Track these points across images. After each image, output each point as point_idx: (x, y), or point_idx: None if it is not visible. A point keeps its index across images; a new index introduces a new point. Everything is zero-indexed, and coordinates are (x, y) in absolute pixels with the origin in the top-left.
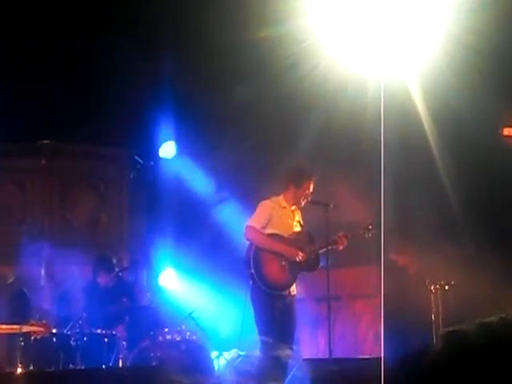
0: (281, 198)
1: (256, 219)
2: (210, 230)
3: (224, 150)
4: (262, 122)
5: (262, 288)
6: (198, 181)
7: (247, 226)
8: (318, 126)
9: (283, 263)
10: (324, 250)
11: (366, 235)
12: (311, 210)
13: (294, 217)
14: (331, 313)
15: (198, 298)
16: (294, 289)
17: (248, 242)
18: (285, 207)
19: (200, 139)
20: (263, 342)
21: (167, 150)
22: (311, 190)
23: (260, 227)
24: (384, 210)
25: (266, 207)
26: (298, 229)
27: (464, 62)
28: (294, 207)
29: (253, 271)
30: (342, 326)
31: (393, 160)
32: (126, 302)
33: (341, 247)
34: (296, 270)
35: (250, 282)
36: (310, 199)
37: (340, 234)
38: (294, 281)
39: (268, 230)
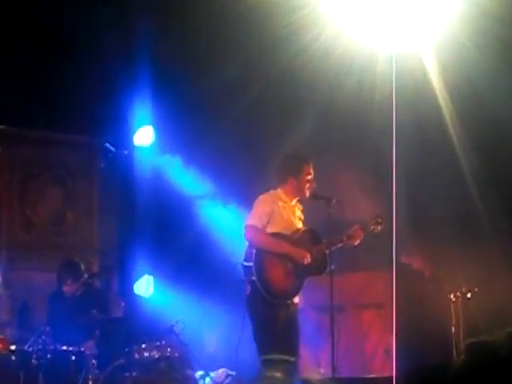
0: (279, 191)
1: (256, 217)
2: (195, 231)
3: (211, 137)
4: (254, 103)
5: (265, 297)
6: (180, 173)
7: (247, 226)
8: (320, 106)
9: (289, 267)
10: (338, 246)
11: (375, 230)
12: (311, 206)
13: (295, 212)
14: (335, 324)
15: (181, 309)
16: (297, 298)
17: (247, 244)
18: (285, 202)
19: (182, 124)
20: (265, 363)
21: (143, 136)
22: (312, 174)
23: (262, 226)
24: (396, 204)
25: (266, 203)
26: (299, 225)
27: (485, 32)
28: (294, 201)
29: (254, 278)
30: (347, 340)
31: (406, 145)
32: (97, 313)
33: (357, 242)
34: (303, 274)
35: (248, 291)
36: (313, 186)
37: (355, 227)
38: (300, 287)
39: (269, 229)
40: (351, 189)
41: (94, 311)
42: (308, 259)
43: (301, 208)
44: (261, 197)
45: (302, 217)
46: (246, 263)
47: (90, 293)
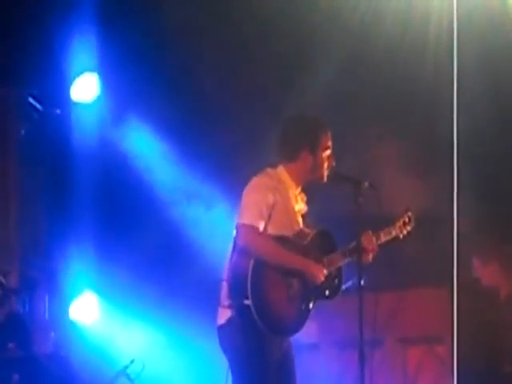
0: (281, 170)
1: (254, 212)
2: (160, 227)
3: (181, 87)
4: (248, 36)
5: (260, 328)
6: (139, 141)
7: (242, 226)
8: (347, 50)
9: (295, 288)
10: (344, 262)
11: (402, 233)
12: (331, 192)
13: (296, 204)
14: (366, 367)
15: (138, 342)
16: None
17: (238, 252)
18: (288, 187)
19: (139, 71)
20: None
21: (84, 88)
22: (331, 148)
23: (263, 225)
24: (458, 194)
25: (265, 189)
26: (300, 224)
27: None
28: (299, 189)
29: (249, 301)
30: None
31: (472, 110)
32: (14, 348)
33: (369, 258)
34: (310, 299)
35: (231, 317)
36: (332, 165)
37: (366, 234)
38: (306, 318)
39: (270, 230)
40: (391, 170)
41: (11, 345)
42: (322, 278)
43: (305, 199)
44: (255, 180)
45: (305, 210)
46: (235, 280)
47: (5, 319)
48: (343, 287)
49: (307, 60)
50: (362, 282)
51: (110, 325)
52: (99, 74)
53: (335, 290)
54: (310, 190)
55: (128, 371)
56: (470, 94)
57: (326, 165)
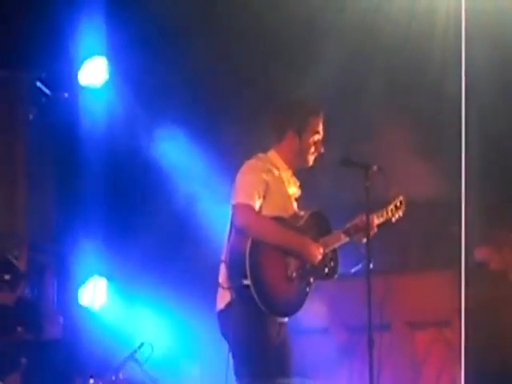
0: (272, 155)
1: (249, 192)
2: (167, 213)
3: (194, 73)
4: (251, 30)
5: (259, 309)
6: (148, 126)
7: (238, 205)
8: (354, 38)
9: (292, 268)
10: (339, 244)
11: (393, 217)
12: (339, 176)
13: (289, 187)
14: (375, 351)
15: (147, 327)
16: None
17: (235, 232)
18: (280, 169)
19: (149, 55)
20: None
21: (92, 72)
22: (321, 134)
23: (259, 205)
24: (466, 179)
25: (258, 171)
26: (295, 207)
27: None
28: (291, 172)
29: (248, 281)
30: (393, 372)
31: (481, 92)
32: (23, 332)
33: (364, 238)
34: (308, 279)
35: (231, 298)
36: (321, 152)
37: (361, 215)
38: (305, 298)
39: (265, 211)
40: (400, 153)
41: (20, 330)
42: (320, 257)
43: (298, 183)
44: (248, 163)
45: (298, 194)
46: (234, 261)
47: (14, 303)
48: (352, 270)
49: (314, 48)
50: (371, 266)
51: (118, 309)
52: (108, 57)
53: (332, 272)
54: (321, 174)
55: (137, 355)
56: (478, 80)
57: (312, 149)
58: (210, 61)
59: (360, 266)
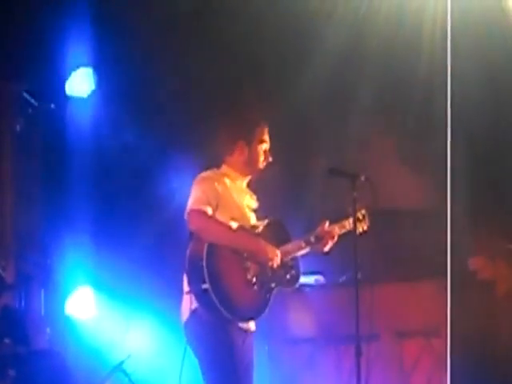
0: (224, 168)
1: (202, 198)
2: (154, 223)
3: (180, 81)
4: (239, 38)
5: (220, 312)
6: (133, 136)
7: (191, 211)
8: (342, 46)
9: (251, 272)
10: (305, 252)
11: (358, 229)
12: (326, 187)
13: (245, 198)
14: (363, 360)
15: (134, 338)
16: (253, 323)
17: (193, 239)
18: (234, 180)
19: (134, 67)
20: None
21: (79, 83)
22: (268, 143)
23: (211, 210)
24: (454, 189)
25: (210, 180)
26: (253, 219)
27: None
28: (245, 182)
29: (207, 285)
30: (382, 382)
31: (468, 101)
32: (10, 344)
33: (327, 247)
34: (269, 284)
35: (194, 306)
36: (269, 161)
37: (323, 224)
38: (267, 303)
39: (221, 219)
40: (388, 162)
41: (7, 341)
42: (278, 260)
43: (255, 197)
44: (200, 175)
45: (255, 206)
46: (191, 265)
47: (1, 314)
48: (340, 280)
49: (302, 55)
50: (359, 276)
51: (106, 320)
52: (94, 68)
53: (293, 279)
54: (307, 186)
55: (124, 366)
56: (465, 88)
57: (262, 158)
58: (198, 71)
59: (348, 275)
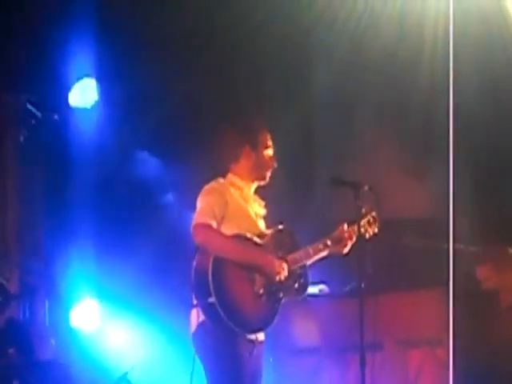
0: (230, 177)
1: (207, 212)
2: (157, 233)
3: (182, 91)
4: (240, 44)
5: (227, 327)
6: (137, 146)
7: (197, 225)
8: (343, 53)
9: (258, 284)
10: (322, 256)
11: (368, 233)
12: (328, 197)
13: (253, 206)
14: (367, 370)
15: (138, 349)
16: (263, 333)
17: (199, 252)
18: (241, 188)
19: (138, 77)
20: None
21: (82, 94)
22: (271, 147)
23: (216, 224)
24: (457, 197)
25: (216, 192)
26: (262, 227)
27: None
28: (253, 188)
29: (213, 299)
30: None
31: (470, 108)
32: (14, 354)
33: (347, 248)
34: (277, 295)
35: (201, 318)
36: (274, 166)
37: (342, 226)
38: (275, 315)
39: (224, 230)
40: (391, 172)
41: (11, 351)
42: (285, 274)
43: (263, 204)
44: (206, 186)
45: (264, 213)
46: (197, 279)
47: (5, 325)
48: (346, 289)
49: (304, 63)
50: (363, 285)
51: (110, 331)
52: (97, 79)
53: (302, 288)
54: (310, 195)
55: (128, 377)
56: (467, 94)
57: (267, 165)
58: (200, 81)
59: (352, 285)
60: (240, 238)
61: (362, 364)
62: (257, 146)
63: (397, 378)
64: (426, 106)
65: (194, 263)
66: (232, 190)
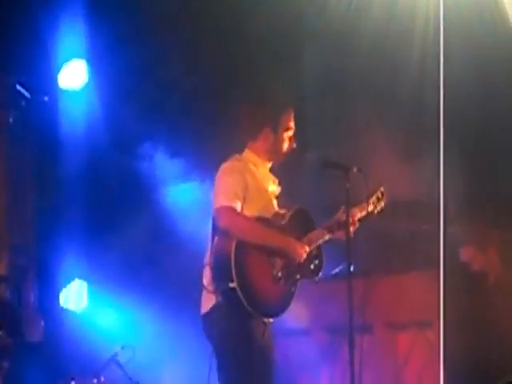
0: (247, 154)
1: (230, 194)
2: (149, 214)
3: (175, 74)
4: (230, 29)
5: (245, 311)
6: (127, 128)
7: (220, 208)
8: (333, 37)
9: (278, 268)
10: (323, 240)
11: (376, 209)
12: (319, 179)
13: (269, 184)
14: (356, 352)
15: (128, 329)
16: None
17: (219, 235)
18: (257, 166)
19: (129, 57)
20: None
21: (72, 75)
22: (293, 129)
23: (240, 206)
24: (446, 179)
25: (236, 172)
26: (275, 204)
27: None
28: (269, 166)
29: (234, 284)
30: (375, 374)
31: (460, 93)
32: (3, 336)
33: (352, 229)
34: (294, 278)
35: (216, 301)
36: (294, 148)
37: (341, 211)
38: (292, 298)
39: (247, 212)
40: (381, 154)
41: (1, 333)
42: (305, 255)
43: (277, 182)
44: (224, 165)
45: (278, 192)
46: (218, 263)
47: None
48: (333, 272)
49: (293, 50)
50: (352, 268)
51: (100, 312)
52: (87, 60)
53: (317, 269)
54: (299, 178)
55: (118, 358)
56: (457, 77)
57: (286, 145)
58: (190, 62)
59: (341, 267)
60: (263, 221)
61: (351, 346)
62: (277, 129)
63: (386, 359)
64: (417, 88)
65: (214, 246)
66: (250, 165)
